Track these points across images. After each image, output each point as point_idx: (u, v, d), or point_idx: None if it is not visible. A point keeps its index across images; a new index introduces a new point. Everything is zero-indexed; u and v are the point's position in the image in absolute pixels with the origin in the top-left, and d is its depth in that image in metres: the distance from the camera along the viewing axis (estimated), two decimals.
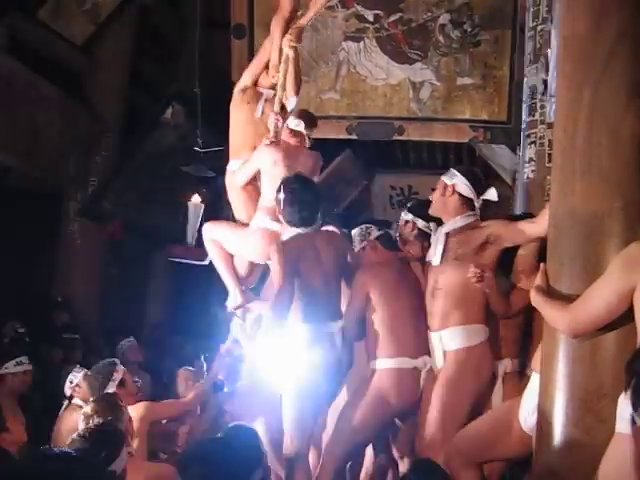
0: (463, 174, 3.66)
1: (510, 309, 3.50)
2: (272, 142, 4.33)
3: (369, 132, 7.35)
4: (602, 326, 2.40)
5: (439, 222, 3.78)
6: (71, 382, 4.23)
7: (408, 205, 4.11)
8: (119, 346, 5.98)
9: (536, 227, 3.29)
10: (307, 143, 4.39)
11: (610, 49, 2.53)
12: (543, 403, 2.71)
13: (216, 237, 4.46)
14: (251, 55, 6.76)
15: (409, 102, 7.10)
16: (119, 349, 5.92)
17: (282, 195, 3.80)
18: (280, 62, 4.53)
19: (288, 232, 3.85)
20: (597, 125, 2.54)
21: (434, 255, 3.65)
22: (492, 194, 3.66)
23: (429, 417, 3.54)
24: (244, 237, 4.36)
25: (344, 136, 7.43)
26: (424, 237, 3.94)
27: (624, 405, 2.06)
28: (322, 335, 3.68)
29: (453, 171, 3.70)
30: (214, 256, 4.49)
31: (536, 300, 2.67)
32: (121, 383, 4.07)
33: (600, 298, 2.35)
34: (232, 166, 4.55)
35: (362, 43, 7.19)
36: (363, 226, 4.01)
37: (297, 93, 4.62)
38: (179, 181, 8.26)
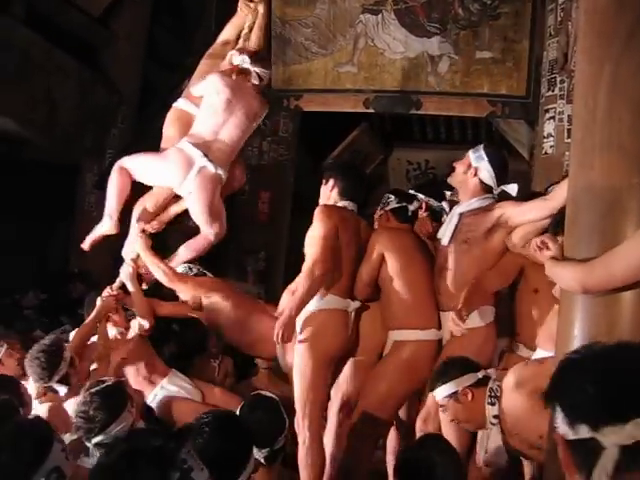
0: (489, 161, 3.61)
1: (503, 282, 3.56)
2: (222, 72, 4.44)
3: (386, 106, 7.30)
4: (615, 286, 2.37)
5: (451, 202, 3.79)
6: None
7: (418, 184, 4.09)
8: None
9: (549, 203, 3.25)
10: (256, 83, 4.46)
11: (632, 23, 2.49)
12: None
13: (129, 166, 4.52)
14: (268, 26, 6.73)
15: (427, 76, 7.04)
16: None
17: (341, 167, 3.93)
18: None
19: (335, 202, 3.89)
20: (618, 100, 2.51)
21: (444, 234, 3.64)
22: (512, 189, 3.64)
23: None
24: (162, 160, 4.41)
25: (361, 110, 7.38)
26: (435, 216, 3.94)
27: None
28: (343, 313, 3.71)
29: (481, 153, 3.65)
30: (113, 183, 4.54)
31: (550, 268, 2.63)
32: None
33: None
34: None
35: (380, 16, 7.11)
36: (386, 194, 4.01)
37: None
38: None
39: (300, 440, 3.54)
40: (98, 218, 8.15)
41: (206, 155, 4.30)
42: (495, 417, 2.91)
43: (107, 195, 4.56)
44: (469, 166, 3.65)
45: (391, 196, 3.96)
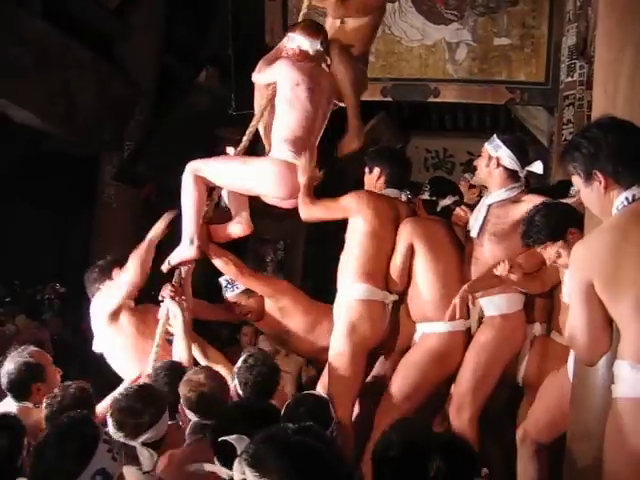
0: (508, 146, 3.59)
1: (543, 288, 3.47)
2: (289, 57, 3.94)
3: (404, 94, 7.27)
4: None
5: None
6: None
7: (426, 182, 4.00)
8: None
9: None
10: (323, 62, 4.01)
11: None
12: (578, 365, 2.71)
13: (205, 173, 3.96)
14: (285, 16, 6.71)
15: (445, 63, 7.00)
16: None
17: (387, 155, 3.88)
18: None
19: (380, 190, 3.86)
20: (638, 85, 2.49)
21: (473, 226, 3.63)
22: (537, 167, 3.61)
23: (461, 380, 3.55)
24: (258, 167, 3.91)
25: (379, 98, 7.35)
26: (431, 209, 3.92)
27: (618, 370, 2.12)
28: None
29: (497, 141, 3.62)
30: (188, 196, 3.95)
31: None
32: None
33: None
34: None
35: (397, 3, 7.07)
36: (427, 181, 3.98)
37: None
38: (213, 144, 8.30)
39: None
40: (117, 210, 8.21)
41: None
42: None
43: (183, 212, 4.01)
44: (489, 158, 3.62)
45: (427, 185, 3.91)
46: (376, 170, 3.91)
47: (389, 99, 7.40)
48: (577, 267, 2.23)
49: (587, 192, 2.25)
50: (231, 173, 3.95)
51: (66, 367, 4.86)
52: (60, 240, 8.21)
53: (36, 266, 7.66)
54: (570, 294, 2.30)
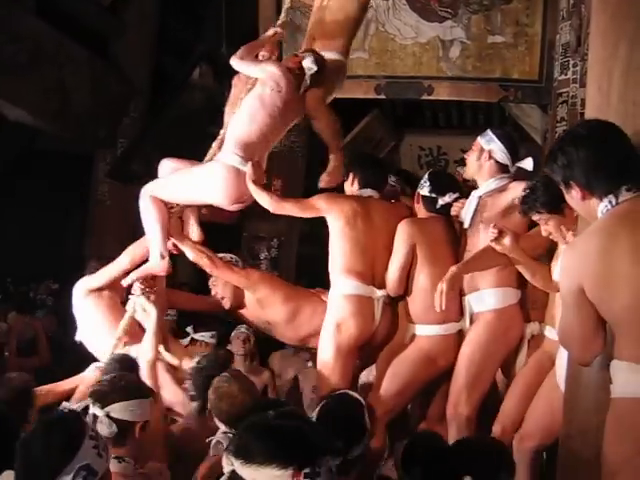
0: (501, 140, 3.61)
1: (549, 286, 3.37)
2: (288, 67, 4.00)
3: (398, 92, 7.27)
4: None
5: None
6: None
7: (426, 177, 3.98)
8: None
9: None
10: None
11: None
12: (571, 365, 2.71)
13: (156, 193, 4.04)
14: (278, 12, 6.70)
15: (438, 61, 7.00)
16: None
17: (355, 159, 3.95)
18: None
19: (355, 191, 3.91)
20: (632, 83, 2.50)
21: (465, 217, 3.64)
22: (528, 163, 3.63)
23: (456, 378, 3.57)
24: (205, 174, 3.97)
25: (372, 96, 7.35)
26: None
27: (615, 370, 2.13)
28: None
29: (491, 135, 3.64)
30: (149, 216, 4.05)
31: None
32: None
33: None
34: None
35: (391, 1, 7.07)
36: (425, 175, 3.96)
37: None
38: (207, 142, 8.29)
39: None
40: (111, 207, 8.18)
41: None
42: None
43: (148, 231, 4.09)
44: (481, 151, 3.64)
45: (427, 181, 3.90)
46: (350, 175, 3.99)
47: (383, 97, 7.40)
48: (567, 271, 2.25)
49: (569, 198, 2.29)
50: (179, 186, 4.04)
51: (60, 364, 4.89)
52: (54, 238, 8.19)
53: (30, 264, 7.63)
54: (562, 297, 2.31)
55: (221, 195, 3.91)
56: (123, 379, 2.86)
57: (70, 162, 8.12)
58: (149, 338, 3.76)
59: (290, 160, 7.63)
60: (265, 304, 4.13)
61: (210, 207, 4.25)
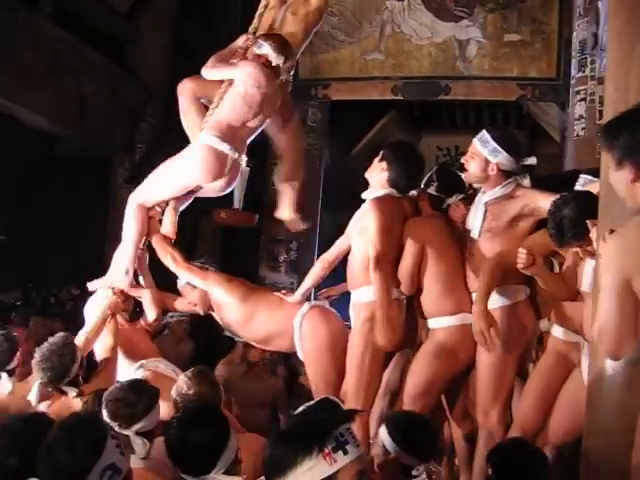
0: (506, 149, 3.52)
1: (571, 294, 3.28)
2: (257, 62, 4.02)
3: (415, 92, 7.27)
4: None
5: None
6: None
7: (434, 175, 3.94)
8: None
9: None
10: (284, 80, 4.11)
11: None
12: (593, 364, 2.70)
13: (145, 194, 4.14)
14: None
15: (455, 61, 6.99)
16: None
17: (393, 155, 3.78)
18: None
19: (381, 191, 3.80)
20: None
21: (472, 226, 3.60)
22: (532, 161, 3.59)
23: (479, 384, 3.54)
24: (184, 159, 4.03)
25: (389, 97, 7.36)
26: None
27: None
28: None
29: (494, 145, 3.52)
30: (129, 226, 4.13)
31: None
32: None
33: None
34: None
35: (406, 1, 7.08)
36: (433, 172, 3.92)
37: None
38: None
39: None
40: None
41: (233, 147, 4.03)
42: None
43: (124, 241, 4.15)
44: (487, 162, 3.56)
45: (435, 180, 3.87)
46: (384, 164, 3.93)
47: (400, 97, 7.40)
48: (613, 264, 2.18)
49: (616, 176, 2.25)
50: (161, 180, 4.11)
51: None
52: (74, 243, 8.25)
53: (51, 269, 7.71)
54: (602, 289, 2.26)
55: (200, 173, 3.99)
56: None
57: (88, 168, 8.19)
58: (89, 326, 3.92)
59: (308, 163, 7.63)
60: (221, 305, 4.15)
61: (228, 211, 4.27)
